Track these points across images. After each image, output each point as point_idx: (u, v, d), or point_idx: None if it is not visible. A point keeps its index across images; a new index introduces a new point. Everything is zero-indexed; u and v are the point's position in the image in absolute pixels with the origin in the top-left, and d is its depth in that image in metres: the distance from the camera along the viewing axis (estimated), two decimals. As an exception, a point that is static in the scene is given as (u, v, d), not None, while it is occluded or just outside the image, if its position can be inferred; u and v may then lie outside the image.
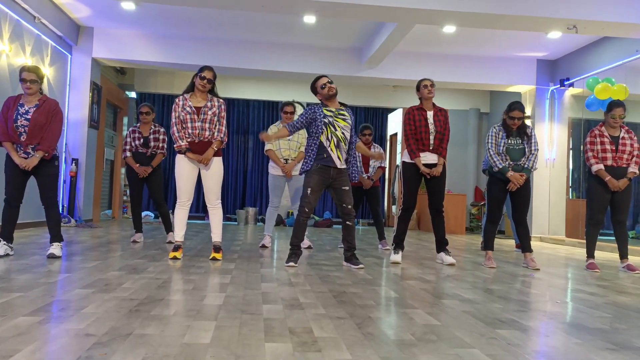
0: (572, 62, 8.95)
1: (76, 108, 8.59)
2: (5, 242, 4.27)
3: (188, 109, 4.47)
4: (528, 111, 9.63)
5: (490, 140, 4.92)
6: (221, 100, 4.64)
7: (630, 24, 6.24)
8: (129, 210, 10.93)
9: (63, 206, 8.34)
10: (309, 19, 7.64)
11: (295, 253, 4.45)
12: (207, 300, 2.83)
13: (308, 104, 11.32)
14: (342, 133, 4.45)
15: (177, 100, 4.56)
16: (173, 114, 4.52)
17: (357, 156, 6.32)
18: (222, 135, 4.56)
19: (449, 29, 7.77)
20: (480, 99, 11.98)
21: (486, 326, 2.50)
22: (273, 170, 5.82)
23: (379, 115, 13.08)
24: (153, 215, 10.90)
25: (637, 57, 7.25)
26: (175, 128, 4.48)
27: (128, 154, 5.83)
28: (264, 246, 5.87)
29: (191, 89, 4.56)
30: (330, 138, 4.41)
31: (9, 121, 4.16)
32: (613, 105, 4.96)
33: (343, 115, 4.50)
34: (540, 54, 9.20)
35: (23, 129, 4.18)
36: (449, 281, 3.91)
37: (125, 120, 11.12)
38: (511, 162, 4.83)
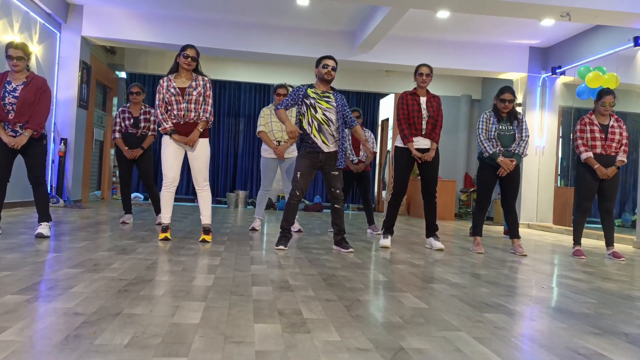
0: (564, 50, 8.96)
1: (65, 87, 8.48)
2: (-8, 221, 4.24)
3: (172, 90, 4.41)
4: (520, 98, 9.65)
5: (480, 126, 4.93)
6: (206, 78, 4.58)
7: (623, 12, 6.25)
8: (118, 191, 10.87)
9: (51, 186, 8.27)
10: (302, 1, 7.56)
11: (285, 236, 4.46)
12: (197, 282, 2.83)
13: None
14: (324, 114, 4.42)
15: (160, 81, 4.49)
16: (157, 95, 4.46)
17: (347, 141, 6.32)
18: (207, 115, 4.50)
19: (443, 14, 7.73)
20: (472, 86, 11.98)
21: (473, 310, 2.53)
22: (265, 152, 5.80)
23: (370, 100, 13.05)
24: (142, 196, 10.85)
25: (629, 47, 7.27)
26: (159, 110, 4.43)
27: (117, 135, 5.78)
28: (253, 229, 5.87)
29: (175, 69, 4.49)
30: (311, 122, 4.40)
31: None
32: (603, 93, 4.99)
33: (327, 97, 4.47)
34: (533, 41, 9.20)
35: (11, 107, 4.13)
36: (437, 266, 3.95)
37: (115, 100, 11.00)
38: (502, 148, 4.85)
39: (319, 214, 9.96)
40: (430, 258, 4.37)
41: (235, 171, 12.64)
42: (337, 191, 4.47)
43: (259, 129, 5.78)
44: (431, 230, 5.02)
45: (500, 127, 4.85)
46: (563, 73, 8.94)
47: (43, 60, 7.87)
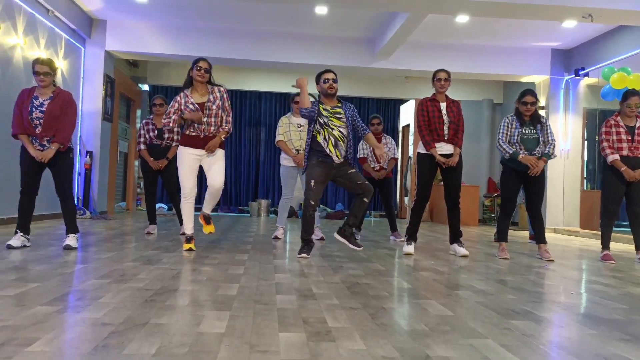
0: (587, 51, 8.83)
1: (90, 101, 8.66)
2: (22, 234, 4.33)
3: (191, 106, 4.43)
4: (542, 102, 9.53)
5: (502, 130, 4.86)
6: (222, 88, 4.60)
7: (647, 12, 6.14)
8: (142, 202, 11.02)
9: (78, 198, 8.43)
10: (321, 9, 7.60)
11: (307, 245, 4.46)
12: (221, 291, 2.85)
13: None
14: (340, 132, 4.44)
15: (177, 98, 4.50)
16: (173, 104, 4.45)
17: (366, 148, 6.32)
18: (229, 127, 4.58)
19: (462, 18, 7.69)
20: (494, 90, 11.87)
21: (500, 317, 2.49)
22: (285, 161, 5.83)
23: (391, 107, 13.01)
24: (167, 207, 10.97)
25: (654, 46, 7.13)
26: (167, 117, 4.45)
27: (142, 146, 5.87)
28: (276, 238, 5.89)
29: (190, 83, 4.52)
30: (327, 139, 4.41)
31: (24, 113, 4.20)
32: (629, 94, 4.89)
33: (338, 114, 4.47)
34: (555, 43, 9.09)
35: (38, 121, 4.23)
36: (462, 272, 3.90)
37: (139, 112, 11.18)
38: (526, 152, 4.77)
39: (340, 222, 9.94)
40: (455, 265, 4.32)
41: (257, 180, 12.70)
42: (365, 182, 4.43)
43: (277, 138, 5.82)
44: (455, 237, 4.97)
45: (524, 130, 4.78)
46: (587, 75, 8.81)
47: (68, 75, 8.04)
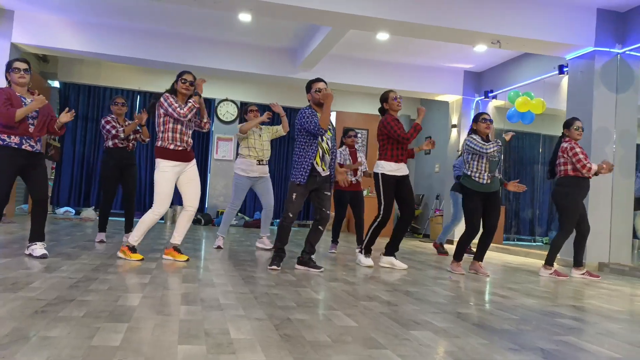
0: (496, 75, 9.39)
1: (-9, 95, 8.05)
2: None
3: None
4: (454, 120, 10.00)
5: (477, 143, 4.97)
6: (195, 97, 4.44)
7: (549, 42, 6.62)
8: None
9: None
10: (245, 17, 7.56)
11: (279, 256, 4.42)
12: (122, 301, 2.73)
13: (243, 103, 11.21)
14: (327, 144, 4.45)
15: (169, 97, 4.30)
16: (172, 102, 4.28)
17: (346, 154, 6.40)
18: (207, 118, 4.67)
19: (383, 36, 7.93)
20: (411, 106, 12.31)
21: (401, 327, 2.57)
22: (241, 171, 5.90)
23: (312, 118, 13.12)
24: (74, 211, 10.41)
25: (554, 74, 7.70)
26: (177, 110, 4.27)
27: (110, 143, 5.53)
28: (219, 247, 5.83)
29: (174, 92, 4.41)
30: (324, 153, 4.42)
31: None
32: (574, 119, 5.38)
33: (330, 124, 4.49)
34: (467, 65, 9.58)
35: (32, 121, 4.13)
36: (371, 283, 3.99)
37: (47, 110, 10.54)
38: (490, 174, 4.96)
39: (257, 230, 9.86)
40: (363, 275, 4.41)
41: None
42: (327, 211, 4.48)
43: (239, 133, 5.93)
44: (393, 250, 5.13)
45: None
46: (495, 97, 9.35)
47: (-33, 66, 7.45)
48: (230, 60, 9.07)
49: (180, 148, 4.36)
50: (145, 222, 4.35)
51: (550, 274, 5.29)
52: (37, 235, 4.19)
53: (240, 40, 8.98)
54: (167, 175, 4.32)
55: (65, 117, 4.18)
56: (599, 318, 3.20)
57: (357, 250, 6.41)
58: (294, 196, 4.36)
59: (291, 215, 4.38)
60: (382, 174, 4.92)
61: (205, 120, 4.64)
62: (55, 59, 10.42)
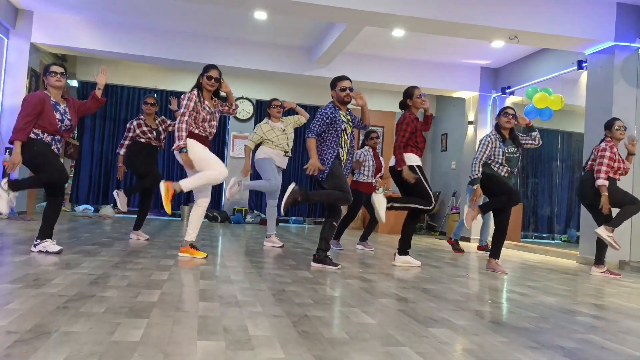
0: (514, 71, 9.29)
1: (12, 95, 8.19)
2: None
3: (207, 109, 4.40)
4: (471, 117, 9.92)
5: (482, 149, 4.97)
6: (219, 100, 4.64)
7: (567, 37, 6.54)
8: (67, 203, 10.50)
9: (-6, 197, 7.92)
10: (260, 15, 7.58)
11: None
12: (141, 297, 2.76)
13: (259, 101, 11.25)
14: (346, 142, 4.51)
15: (192, 95, 4.33)
16: (188, 103, 4.28)
17: (369, 155, 6.51)
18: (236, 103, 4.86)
19: (398, 32, 7.89)
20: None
21: (419, 324, 2.56)
22: (266, 155, 5.84)
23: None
24: (92, 208, 10.54)
25: (573, 69, 7.59)
26: (185, 125, 4.26)
27: (122, 151, 5.73)
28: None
29: (199, 87, 4.45)
30: (343, 147, 4.47)
31: (51, 118, 4.11)
32: (614, 119, 5.37)
33: (351, 121, 4.58)
34: (484, 61, 9.50)
35: (66, 127, 4.26)
36: (388, 280, 3.98)
37: (66, 109, 10.68)
38: (509, 169, 4.95)
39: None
40: (384, 272, 4.40)
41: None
42: (341, 207, 4.51)
43: (246, 143, 5.94)
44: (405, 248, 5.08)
45: (508, 149, 4.95)
46: (512, 93, 9.26)
47: (-11, 66, 7.58)
48: (246, 58, 9.11)
49: (203, 134, 4.41)
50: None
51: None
52: (47, 232, 4.27)
53: (256, 39, 9.01)
54: (199, 146, 4.35)
55: (103, 78, 4.43)
56: (620, 316, 3.16)
57: (357, 245, 6.46)
58: (336, 171, 4.35)
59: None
60: (418, 166, 4.88)
61: (233, 107, 4.78)
62: (73, 58, 10.55)
